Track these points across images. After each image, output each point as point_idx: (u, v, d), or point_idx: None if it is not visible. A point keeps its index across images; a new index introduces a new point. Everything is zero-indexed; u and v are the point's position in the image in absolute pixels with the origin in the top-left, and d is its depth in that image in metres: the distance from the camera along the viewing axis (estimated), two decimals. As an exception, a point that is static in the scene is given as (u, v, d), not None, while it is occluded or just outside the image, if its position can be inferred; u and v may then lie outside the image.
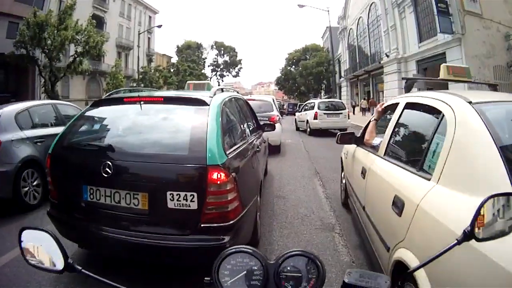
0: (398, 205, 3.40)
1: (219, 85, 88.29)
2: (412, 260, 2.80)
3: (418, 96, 4.50)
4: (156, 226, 4.29)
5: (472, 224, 1.49)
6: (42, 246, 1.55)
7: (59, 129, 5.92)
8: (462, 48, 27.33)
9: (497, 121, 2.97)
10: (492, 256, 2.06)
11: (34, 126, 9.24)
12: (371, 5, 48.83)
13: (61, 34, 34.16)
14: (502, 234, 1.59)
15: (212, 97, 5.14)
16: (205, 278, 1.47)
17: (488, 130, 2.74)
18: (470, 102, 3.15)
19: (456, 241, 1.49)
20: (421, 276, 2.59)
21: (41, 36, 33.65)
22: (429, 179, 3.11)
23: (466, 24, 27.03)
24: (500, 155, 2.53)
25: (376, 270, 1.93)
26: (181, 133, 4.68)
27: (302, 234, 6.66)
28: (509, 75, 26.77)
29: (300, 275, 1.41)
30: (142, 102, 5.10)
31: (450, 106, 3.30)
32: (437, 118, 3.49)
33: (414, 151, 4.10)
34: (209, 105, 4.88)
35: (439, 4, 27.97)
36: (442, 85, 6.00)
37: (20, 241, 1.58)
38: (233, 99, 6.54)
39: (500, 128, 2.88)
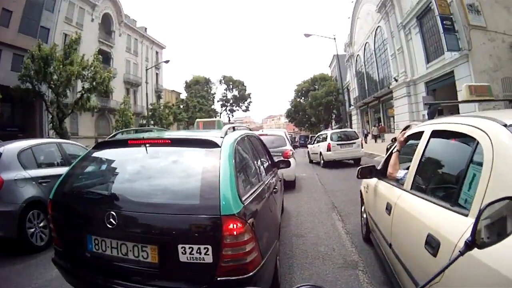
0: (432, 244, 3.08)
1: (229, 120, 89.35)
2: None
3: (445, 122, 4.18)
4: (168, 280, 3.93)
5: (473, 234, 1.57)
6: None
7: (64, 170, 5.76)
8: (470, 65, 27.41)
9: None
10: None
11: (38, 165, 9.08)
12: (376, 29, 49.45)
13: (67, 69, 34.36)
14: (502, 237, 1.65)
15: (223, 137, 4.83)
16: None
17: None
18: (505, 125, 2.86)
19: (459, 252, 1.58)
20: None
21: (47, 70, 33.96)
22: (466, 215, 2.79)
23: (472, 39, 27.17)
24: None
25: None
26: (191, 179, 4.30)
27: (324, 274, 6.33)
28: (517, 86, 26.56)
29: None
30: (147, 145, 4.81)
31: (484, 132, 3.00)
32: (470, 146, 3.18)
33: (446, 184, 3.77)
34: (220, 146, 4.54)
35: (444, 22, 28.23)
36: (454, 106, 5.76)
37: None
38: (245, 138, 6.15)
39: None
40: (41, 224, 8.37)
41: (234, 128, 6.22)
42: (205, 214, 3.82)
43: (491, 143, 2.83)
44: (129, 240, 4.01)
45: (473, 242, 1.53)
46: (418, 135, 4.78)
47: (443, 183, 3.91)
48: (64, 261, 4.56)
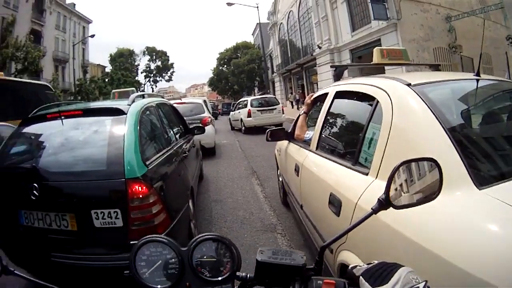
0: (335, 204, 3.15)
1: (153, 90, 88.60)
2: (356, 262, 2.43)
3: (349, 83, 4.25)
4: (87, 247, 4.08)
5: (387, 193, 1.47)
6: None
7: None
8: (398, 33, 27.43)
9: (442, 102, 2.76)
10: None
11: None
12: (301, -2, 48.99)
13: (2, 53, 33.35)
14: (421, 201, 1.57)
15: (130, 105, 4.97)
16: (125, 272, 1.46)
17: (433, 113, 2.51)
18: (409, 85, 2.89)
19: (371, 210, 1.47)
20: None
21: (-18, 55, 32.74)
22: (366, 174, 2.85)
23: (402, 9, 27.12)
24: (450, 139, 2.31)
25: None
26: (99, 147, 4.45)
27: (242, 238, 6.44)
28: (451, 56, 27.19)
29: (214, 259, 1.44)
30: (63, 117, 4.87)
31: (385, 91, 3.04)
32: (370, 105, 3.21)
33: (348, 144, 3.83)
34: (126, 113, 4.68)
35: (372, -8, 28.09)
36: (379, 70, 5.77)
37: None
38: (154, 105, 6.30)
39: (446, 109, 2.69)
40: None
41: (143, 96, 6.36)
42: (112, 179, 3.99)
43: (391, 102, 2.85)
44: (51, 210, 4.10)
45: (387, 201, 1.47)
46: (324, 97, 4.82)
47: (345, 143, 3.96)
48: (2, 238, 4.59)
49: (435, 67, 5.59)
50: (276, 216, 7.41)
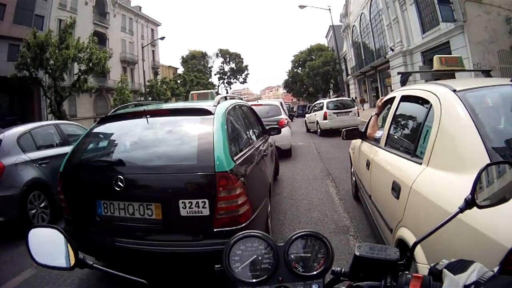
0: (396, 189, 3.76)
1: (227, 92, 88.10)
2: (410, 237, 3.13)
3: (411, 88, 4.86)
4: (170, 234, 4.42)
5: (473, 192, 1.51)
6: (51, 244, 1.53)
7: (63, 149, 5.91)
8: (465, 36, 27.00)
9: (478, 105, 3.25)
10: (484, 230, 2.17)
11: (38, 148, 9.21)
12: (371, 0, 48.83)
13: (62, 53, 33.88)
14: (502, 201, 1.60)
15: (216, 106, 5.28)
16: (216, 266, 1.49)
17: (470, 115, 3.02)
18: (454, 91, 3.46)
19: (458, 209, 1.51)
20: (417, 252, 2.73)
21: (43, 56, 33.49)
22: (420, 163, 3.44)
23: (467, 11, 26.66)
24: (480, 136, 2.78)
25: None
26: (189, 143, 4.83)
27: None
28: (512, 58, 26.37)
29: (309, 255, 1.48)
30: (148, 116, 5.34)
31: (436, 96, 3.64)
32: (427, 107, 3.81)
33: (409, 140, 4.39)
34: (213, 114, 5.01)
35: (438, -8, 27.79)
36: (450, 75, 6.15)
37: (27, 241, 1.55)
38: (237, 106, 6.66)
39: (481, 112, 3.14)
40: (42, 205, 8.59)
41: (226, 98, 6.82)
42: (202, 172, 4.34)
43: (440, 104, 3.47)
44: (135, 200, 4.45)
45: (473, 201, 1.50)
46: (392, 100, 5.48)
47: (407, 139, 4.54)
48: (75, 227, 4.96)
49: (487, 73, 5.90)
50: (349, 218, 7.54)
